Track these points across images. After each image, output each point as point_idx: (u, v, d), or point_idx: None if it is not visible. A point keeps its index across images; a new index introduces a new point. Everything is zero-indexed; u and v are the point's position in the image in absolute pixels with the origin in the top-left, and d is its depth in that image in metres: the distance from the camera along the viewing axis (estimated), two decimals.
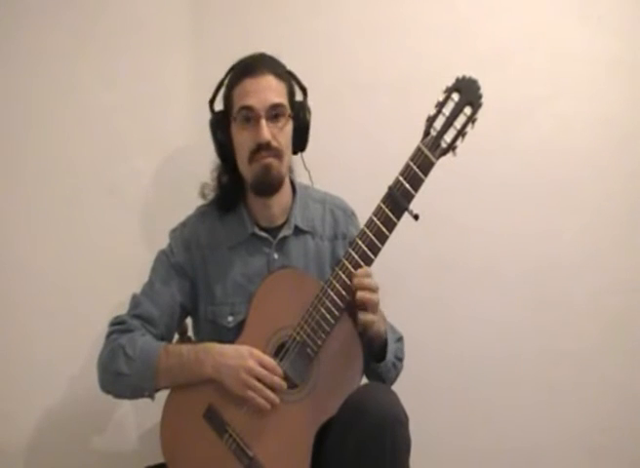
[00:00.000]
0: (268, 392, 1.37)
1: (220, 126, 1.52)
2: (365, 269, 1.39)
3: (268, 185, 1.51)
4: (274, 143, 1.47)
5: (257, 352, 1.39)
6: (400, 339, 1.57)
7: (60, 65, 1.86)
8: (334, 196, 1.65)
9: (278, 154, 1.48)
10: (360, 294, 1.37)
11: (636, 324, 1.99)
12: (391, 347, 1.49)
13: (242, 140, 1.49)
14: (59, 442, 1.87)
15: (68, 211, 1.87)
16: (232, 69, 1.53)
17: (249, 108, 1.46)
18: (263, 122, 1.46)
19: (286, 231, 1.56)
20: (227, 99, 1.52)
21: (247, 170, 1.50)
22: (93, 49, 1.88)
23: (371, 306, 1.39)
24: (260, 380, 1.37)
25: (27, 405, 1.84)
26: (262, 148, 1.46)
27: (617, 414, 2.00)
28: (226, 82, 1.53)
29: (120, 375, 1.44)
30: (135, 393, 1.47)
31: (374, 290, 1.39)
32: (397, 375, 1.55)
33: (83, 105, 1.87)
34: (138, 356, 1.43)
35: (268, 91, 1.47)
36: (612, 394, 1.99)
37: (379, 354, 1.48)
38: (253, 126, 1.47)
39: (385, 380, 1.51)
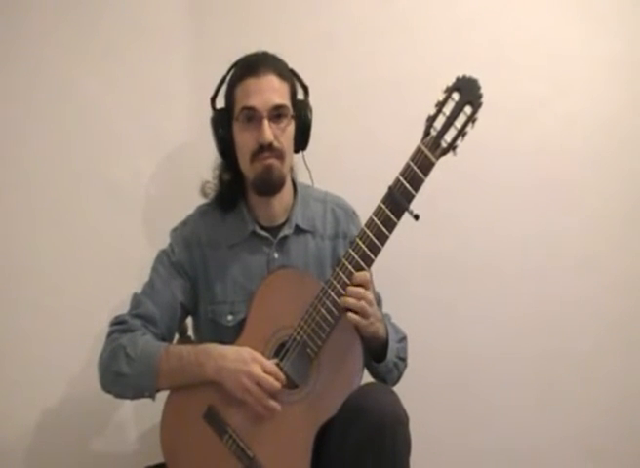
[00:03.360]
0: (269, 400, 1.37)
1: (222, 123, 1.52)
2: (362, 275, 1.38)
3: (270, 186, 1.51)
4: (276, 144, 1.47)
5: (259, 356, 1.39)
6: (403, 339, 1.57)
7: (61, 65, 1.86)
8: (335, 195, 1.65)
9: (280, 155, 1.48)
10: (344, 300, 1.37)
11: (636, 324, 1.99)
12: (393, 347, 1.49)
13: (244, 140, 1.49)
14: (58, 442, 1.87)
15: (69, 210, 1.87)
16: (234, 66, 1.53)
17: (251, 109, 1.46)
18: (266, 123, 1.46)
19: (286, 230, 1.56)
20: (229, 98, 1.52)
21: (248, 169, 1.50)
22: (93, 49, 1.87)
23: (358, 311, 1.38)
24: (260, 386, 1.37)
25: (27, 404, 1.84)
26: (265, 149, 1.47)
27: (616, 414, 2.00)
28: (228, 79, 1.53)
29: (121, 376, 1.44)
30: (135, 393, 1.47)
31: (361, 297, 1.38)
32: (400, 376, 1.55)
33: (83, 105, 1.87)
34: (138, 356, 1.43)
35: (271, 91, 1.47)
36: (612, 394, 1.99)
37: (379, 354, 1.48)
38: (255, 126, 1.47)
39: (387, 380, 1.51)
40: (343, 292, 1.38)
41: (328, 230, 1.60)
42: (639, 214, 1.98)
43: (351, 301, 1.37)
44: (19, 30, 1.83)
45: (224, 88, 1.54)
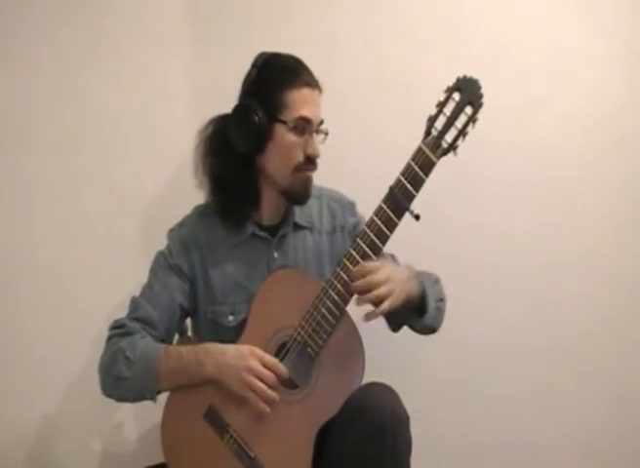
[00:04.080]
0: (269, 392, 1.37)
1: (259, 118, 1.46)
2: (358, 269, 1.37)
3: (307, 196, 1.53)
4: (318, 158, 1.50)
5: (258, 351, 1.39)
6: (437, 281, 1.56)
7: (62, 66, 1.85)
8: (329, 189, 1.66)
9: (316, 168, 1.51)
10: (355, 288, 1.36)
11: (636, 323, 1.99)
12: (431, 294, 1.48)
13: (292, 148, 1.47)
14: (59, 442, 1.87)
15: (69, 211, 1.86)
16: (271, 64, 1.49)
17: (307, 120, 1.46)
18: (316, 136, 1.48)
19: (285, 229, 1.56)
20: (273, 98, 1.47)
21: (286, 176, 1.49)
22: (93, 50, 1.87)
23: (375, 301, 1.36)
24: (261, 380, 1.37)
25: (27, 405, 1.84)
26: (311, 162, 1.48)
27: (616, 414, 2.00)
28: (271, 77, 1.48)
29: (121, 379, 1.44)
30: (136, 396, 1.47)
31: (371, 287, 1.35)
32: (443, 318, 1.56)
33: (84, 106, 1.87)
34: (138, 359, 1.43)
35: (318, 105, 1.50)
36: (611, 392, 2.00)
37: (420, 308, 1.48)
38: (304, 137, 1.47)
39: (434, 327, 1.53)
40: (344, 292, 1.38)
41: (325, 225, 1.60)
42: (639, 213, 1.99)
43: (367, 297, 1.35)
44: (19, 31, 1.83)
45: (256, 82, 1.50)
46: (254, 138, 1.47)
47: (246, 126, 1.47)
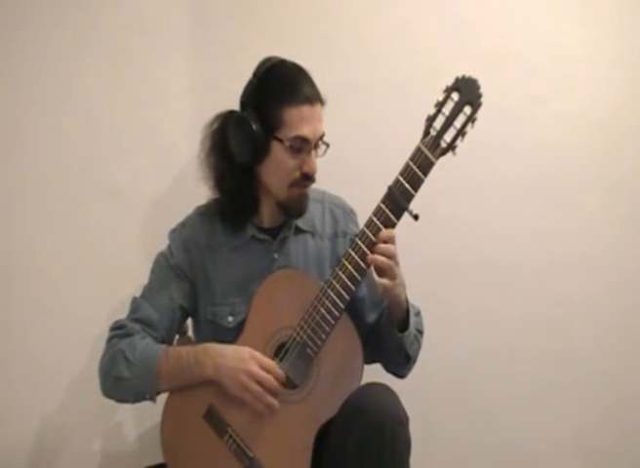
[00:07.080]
0: (268, 396, 1.37)
1: (257, 132, 1.45)
2: (389, 232, 1.37)
3: (303, 210, 1.52)
4: (315, 174, 1.48)
5: (257, 354, 1.39)
6: (419, 314, 1.55)
7: (61, 65, 1.85)
8: (332, 195, 1.65)
9: (314, 181, 1.50)
10: (372, 258, 1.36)
11: (636, 324, 1.99)
12: (412, 319, 1.47)
13: (287, 166, 1.46)
14: (58, 442, 1.87)
15: (68, 211, 1.86)
16: (272, 75, 1.47)
17: (305, 140, 1.44)
18: (314, 154, 1.47)
19: (286, 231, 1.56)
20: (271, 113, 1.44)
21: (283, 191, 1.49)
22: (93, 49, 1.87)
23: (386, 270, 1.37)
24: (259, 383, 1.37)
25: (27, 405, 1.84)
26: (307, 178, 1.47)
27: (615, 415, 2.00)
28: (270, 91, 1.46)
29: (121, 380, 1.44)
30: (136, 397, 1.47)
31: (389, 255, 1.36)
32: (419, 349, 1.53)
33: (83, 105, 1.87)
34: (138, 360, 1.43)
35: (319, 121, 1.47)
36: (611, 394, 1.99)
37: (399, 324, 1.47)
38: (301, 155, 1.46)
39: (410, 354, 1.50)
40: (343, 293, 1.38)
41: (327, 230, 1.60)
42: (639, 213, 1.98)
43: (380, 259, 1.35)
44: (18, 30, 1.83)
45: (257, 93, 1.48)
46: (250, 152, 1.47)
47: (243, 139, 1.46)
